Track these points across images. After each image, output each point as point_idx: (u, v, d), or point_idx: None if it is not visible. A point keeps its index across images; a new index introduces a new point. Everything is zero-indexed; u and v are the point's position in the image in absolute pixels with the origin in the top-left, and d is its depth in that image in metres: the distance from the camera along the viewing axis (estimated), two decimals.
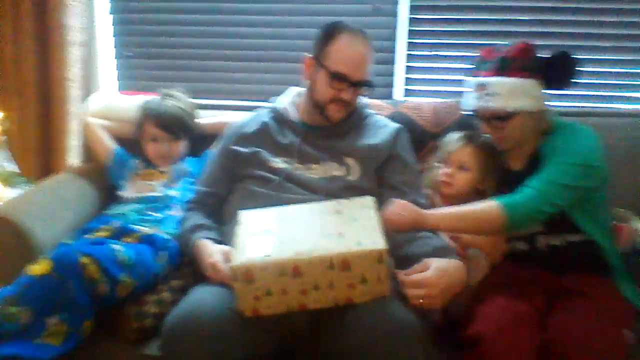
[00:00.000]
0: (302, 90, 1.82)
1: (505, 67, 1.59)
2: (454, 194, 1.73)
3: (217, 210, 1.77)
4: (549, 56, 1.60)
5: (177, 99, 1.99)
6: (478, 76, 1.65)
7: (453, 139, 1.79)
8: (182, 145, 1.99)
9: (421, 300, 1.32)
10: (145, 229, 1.72)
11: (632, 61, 2.24)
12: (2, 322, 1.34)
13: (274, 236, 1.35)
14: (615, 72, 2.25)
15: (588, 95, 2.27)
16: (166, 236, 1.73)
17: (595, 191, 1.60)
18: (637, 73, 2.25)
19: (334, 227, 1.36)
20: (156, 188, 1.89)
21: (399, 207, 1.50)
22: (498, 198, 1.53)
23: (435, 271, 1.34)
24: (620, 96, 2.27)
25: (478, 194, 1.71)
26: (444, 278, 1.34)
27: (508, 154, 1.73)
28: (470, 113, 1.72)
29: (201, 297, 1.38)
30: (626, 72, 2.25)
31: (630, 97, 2.27)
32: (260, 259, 1.27)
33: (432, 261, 1.37)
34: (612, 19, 2.20)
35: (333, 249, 1.27)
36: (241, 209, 1.62)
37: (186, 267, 1.70)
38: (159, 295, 1.59)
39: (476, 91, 1.64)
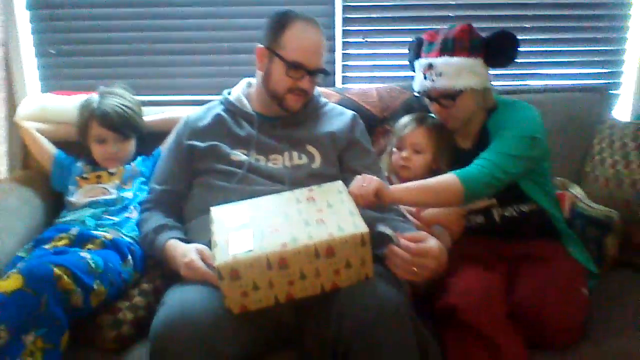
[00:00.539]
0: (252, 80, 1.81)
1: (449, 48, 1.67)
2: (412, 176, 1.76)
3: (176, 208, 1.73)
4: (490, 36, 1.68)
5: (120, 96, 1.89)
6: (425, 58, 1.73)
7: (404, 123, 1.84)
8: (131, 145, 1.90)
9: (414, 269, 1.34)
10: (107, 234, 1.64)
11: (560, 40, 2.40)
12: None
13: (251, 230, 1.33)
14: (545, 51, 2.41)
15: (522, 74, 2.42)
16: (129, 240, 1.66)
17: (540, 162, 1.72)
18: (565, 51, 2.42)
19: (311, 214, 1.35)
20: (109, 191, 1.80)
21: (361, 180, 1.52)
22: (455, 171, 1.60)
23: (437, 245, 1.37)
24: (549, 74, 2.44)
25: (434, 174, 1.74)
26: (442, 254, 1.38)
27: (457, 133, 1.81)
28: (417, 95, 1.80)
29: (186, 296, 1.34)
30: (555, 51, 2.41)
31: (560, 73, 2.44)
32: (244, 255, 1.25)
33: (428, 235, 1.41)
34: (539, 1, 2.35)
35: (316, 236, 1.27)
36: (204, 205, 1.59)
37: (153, 270, 1.65)
38: (131, 301, 1.53)
39: (424, 72, 1.71)
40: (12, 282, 1.31)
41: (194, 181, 1.72)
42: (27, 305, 1.29)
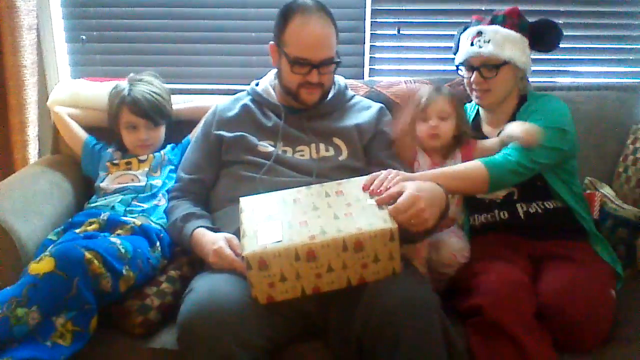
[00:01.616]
0: None
1: (499, 20, 1.73)
2: (439, 145, 1.73)
3: (203, 197, 1.75)
4: (535, 21, 1.74)
5: (150, 83, 1.90)
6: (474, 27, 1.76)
7: (422, 95, 1.76)
8: (161, 132, 1.90)
9: (412, 221, 1.33)
10: (136, 221, 1.65)
11: (593, 37, 2.34)
12: (11, 326, 1.27)
13: (280, 221, 1.34)
14: (577, 48, 2.36)
15: (553, 70, 2.38)
16: (157, 227, 1.68)
17: (569, 158, 1.71)
18: (599, 48, 2.36)
19: (340, 208, 1.36)
20: (138, 178, 1.82)
21: (384, 175, 1.48)
22: (481, 158, 1.61)
23: (410, 191, 1.34)
24: (581, 71, 2.39)
25: (458, 141, 1.75)
26: (422, 193, 1.35)
27: (485, 118, 1.82)
28: (458, 67, 1.81)
29: (215, 284, 1.35)
30: (588, 48, 2.36)
31: (593, 71, 2.39)
32: (273, 246, 1.27)
33: (405, 185, 1.38)
34: None
35: (345, 230, 1.28)
36: (231, 195, 1.62)
37: (180, 257, 1.67)
38: (159, 287, 1.54)
39: (472, 39, 1.73)
40: (44, 264, 1.33)
41: (221, 171, 1.73)
42: (59, 288, 1.32)
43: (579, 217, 1.71)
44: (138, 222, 1.65)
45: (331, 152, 1.70)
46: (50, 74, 2.35)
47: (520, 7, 1.75)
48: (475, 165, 1.60)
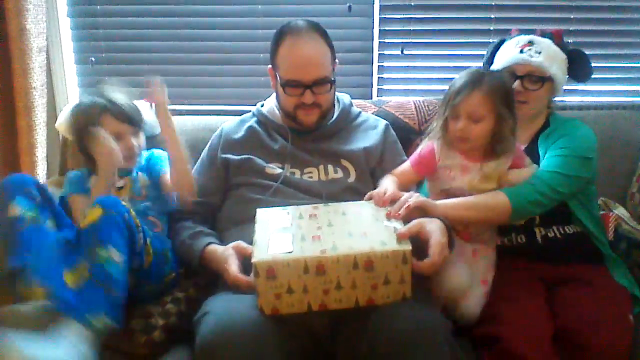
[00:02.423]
0: None
1: (548, 36, 1.72)
2: (472, 148, 1.58)
3: (209, 219, 1.74)
4: (571, 49, 1.75)
5: (114, 90, 1.73)
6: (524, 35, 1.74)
7: (457, 88, 1.56)
8: (143, 139, 1.76)
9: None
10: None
11: (604, 55, 2.32)
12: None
13: (292, 233, 1.34)
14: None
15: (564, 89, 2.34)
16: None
17: (589, 183, 1.68)
18: (610, 67, 2.34)
19: (356, 227, 1.36)
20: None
21: (405, 198, 1.47)
22: (504, 189, 1.57)
23: (439, 239, 1.36)
24: (592, 90, 2.35)
25: (496, 140, 1.57)
26: (444, 239, 1.38)
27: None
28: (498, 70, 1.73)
29: (232, 306, 1.33)
30: (599, 67, 2.31)
31: (604, 90, 2.37)
32: (283, 256, 1.26)
33: (428, 229, 1.38)
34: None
35: (357, 247, 1.27)
36: (238, 216, 1.63)
37: (186, 279, 1.64)
38: (164, 307, 1.52)
39: (522, 47, 1.70)
40: (95, 212, 1.39)
41: (228, 193, 1.72)
42: (114, 223, 1.39)
43: (596, 241, 1.68)
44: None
45: (340, 174, 1.69)
46: (59, 96, 2.36)
47: (527, 27, 1.75)
48: (498, 195, 1.55)
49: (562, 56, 1.72)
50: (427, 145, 1.66)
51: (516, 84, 1.68)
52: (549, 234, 1.67)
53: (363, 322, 1.30)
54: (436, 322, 1.30)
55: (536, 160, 1.68)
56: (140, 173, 1.76)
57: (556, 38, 1.72)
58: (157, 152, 1.81)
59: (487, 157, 1.59)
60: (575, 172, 1.60)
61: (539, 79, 1.67)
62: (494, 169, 1.57)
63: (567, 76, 1.75)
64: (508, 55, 1.73)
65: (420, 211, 1.45)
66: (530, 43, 1.69)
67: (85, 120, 1.66)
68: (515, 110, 1.58)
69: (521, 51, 1.69)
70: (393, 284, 1.29)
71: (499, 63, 1.76)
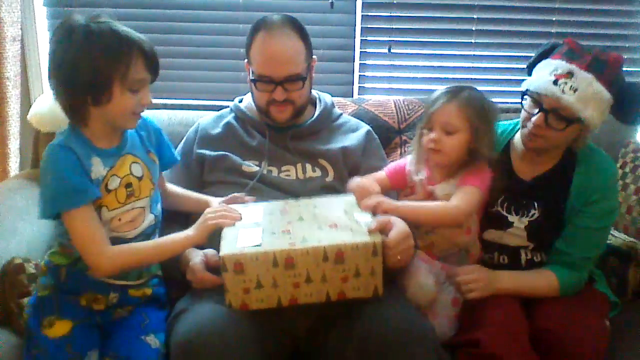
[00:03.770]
0: None
1: (598, 69, 1.44)
2: (445, 161, 1.50)
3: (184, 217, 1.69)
4: (626, 83, 1.49)
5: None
6: (567, 63, 1.46)
7: (435, 97, 1.50)
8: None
9: (399, 257, 1.34)
10: (146, 290, 1.46)
11: None
12: None
13: (262, 228, 1.32)
14: None
15: None
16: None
17: None
18: None
19: (326, 220, 1.35)
20: (146, 210, 1.41)
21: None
22: (557, 273, 1.54)
23: (404, 227, 1.37)
24: None
25: (472, 155, 1.49)
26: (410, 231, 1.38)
27: (521, 155, 1.61)
28: (524, 93, 1.52)
29: (208, 307, 1.31)
30: None
31: None
32: (251, 249, 1.24)
33: (394, 219, 1.37)
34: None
35: (326, 240, 1.26)
36: None
37: None
38: None
39: (558, 77, 1.44)
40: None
41: (202, 191, 1.67)
42: None
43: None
44: (148, 291, 1.46)
45: (318, 172, 1.67)
46: (33, 87, 2.31)
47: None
48: (550, 277, 1.55)
49: (606, 96, 1.44)
50: (407, 158, 1.64)
51: (537, 117, 1.45)
52: (535, 258, 1.61)
53: (350, 325, 1.29)
54: (424, 325, 1.31)
55: (553, 198, 1.56)
56: (150, 153, 1.44)
57: (610, 69, 1.45)
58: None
59: (445, 178, 1.52)
60: (612, 222, 1.62)
61: (565, 119, 1.44)
62: (445, 192, 1.50)
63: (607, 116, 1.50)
64: (540, 79, 1.47)
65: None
66: (569, 75, 1.43)
67: (111, 59, 1.22)
68: (493, 127, 1.51)
69: (555, 82, 1.44)
70: (364, 276, 1.28)
71: (530, 80, 1.52)
